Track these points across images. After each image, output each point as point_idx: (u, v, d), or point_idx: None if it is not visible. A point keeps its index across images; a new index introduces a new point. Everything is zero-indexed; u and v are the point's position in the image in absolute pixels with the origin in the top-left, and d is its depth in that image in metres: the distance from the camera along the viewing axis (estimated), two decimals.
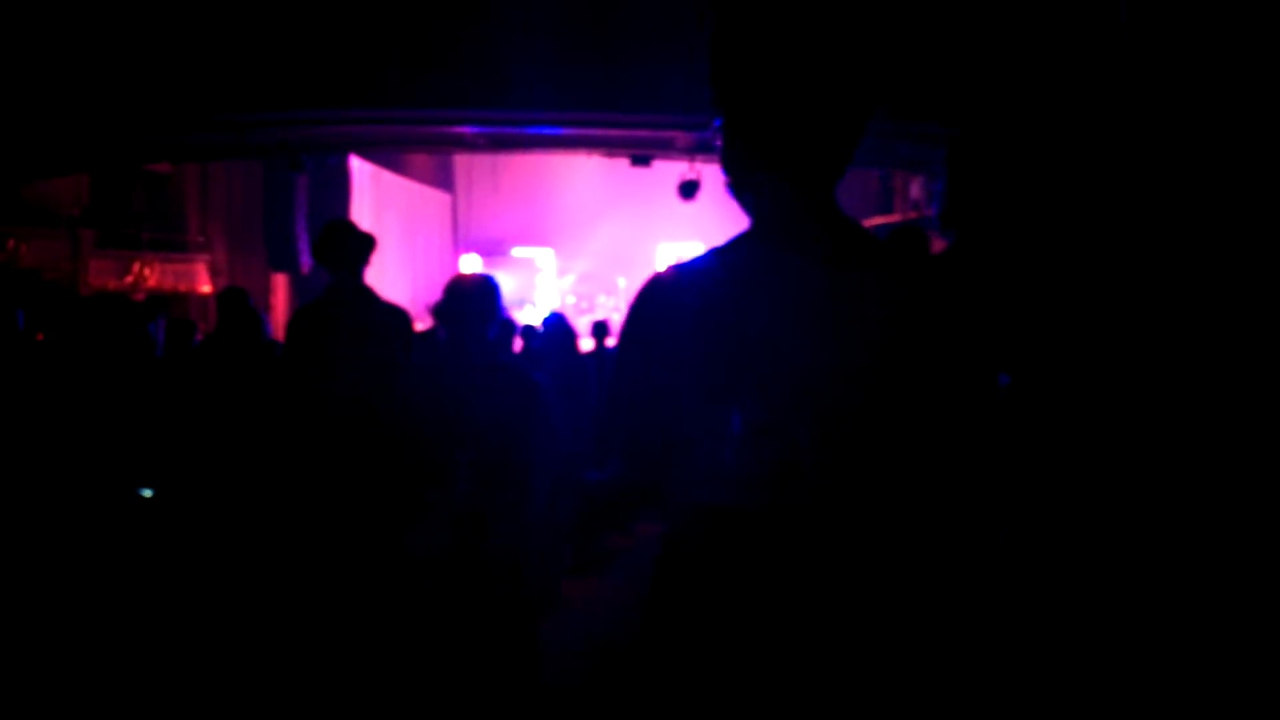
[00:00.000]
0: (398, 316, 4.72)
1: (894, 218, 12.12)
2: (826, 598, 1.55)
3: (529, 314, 12.90)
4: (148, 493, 3.69)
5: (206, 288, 12.83)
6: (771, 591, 1.56)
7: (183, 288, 12.48)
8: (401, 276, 15.59)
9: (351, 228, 4.71)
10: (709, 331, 1.60)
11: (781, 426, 1.57)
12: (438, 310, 3.72)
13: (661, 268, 1.74)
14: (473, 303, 3.69)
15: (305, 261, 12.81)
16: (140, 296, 10.59)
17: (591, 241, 18.22)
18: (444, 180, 18.86)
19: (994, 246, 2.41)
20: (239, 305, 5.21)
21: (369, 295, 4.66)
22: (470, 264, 17.80)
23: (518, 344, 8.00)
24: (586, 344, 8.62)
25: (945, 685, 1.60)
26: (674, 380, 1.63)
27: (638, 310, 1.70)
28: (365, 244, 4.65)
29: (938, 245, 3.40)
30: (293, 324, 4.73)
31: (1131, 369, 2.68)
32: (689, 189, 10.77)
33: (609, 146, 10.36)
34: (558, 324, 7.87)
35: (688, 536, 1.63)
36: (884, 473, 1.56)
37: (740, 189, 1.66)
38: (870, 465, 1.55)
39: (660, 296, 1.68)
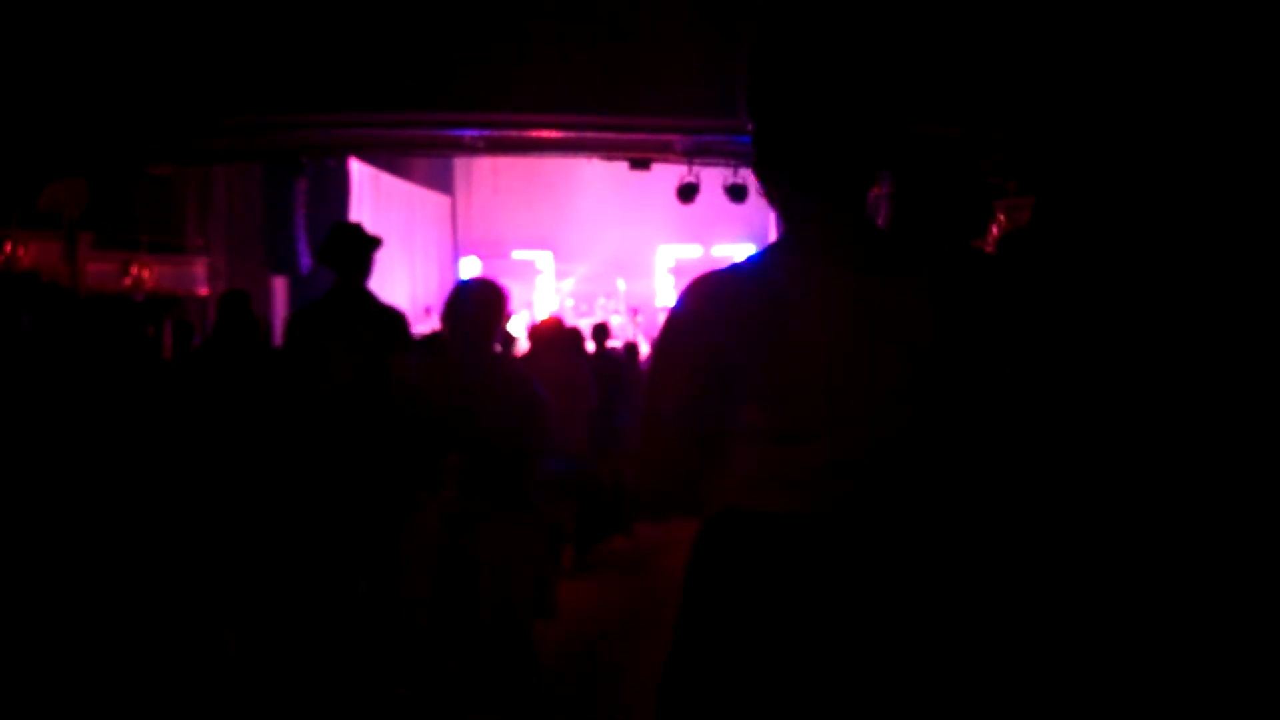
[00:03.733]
0: (394, 319, 4.70)
1: None
2: (864, 603, 1.56)
3: (523, 318, 12.91)
4: None
5: (204, 290, 12.82)
6: (808, 597, 1.57)
7: (181, 290, 12.46)
8: (401, 279, 15.59)
9: (356, 231, 4.69)
10: (750, 337, 1.64)
11: (820, 432, 1.60)
12: (444, 313, 3.73)
13: (711, 270, 1.77)
14: (478, 307, 3.70)
15: (304, 264, 12.81)
16: (139, 299, 10.59)
17: (591, 244, 18.23)
18: (443, 183, 18.86)
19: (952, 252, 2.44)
20: (240, 308, 5.21)
21: (368, 298, 4.64)
22: (470, 266, 17.80)
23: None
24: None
25: (976, 685, 1.62)
26: (713, 385, 1.66)
27: (681, 314, 1.73)
28: (368, 246, 4.63)
29: None
30: (291, 325, 4.73)
31: (1125, 365, 2.70)
32: (688, 192, 10.77)
33: (608, 149, 10.38)
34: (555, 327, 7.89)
35: (723, 540, 1.65)
36: (924, 475, 1.59)
37: (773, 196, 1.70)
38: (910, 468, 1.59)
39: (703, 301, 1.71)
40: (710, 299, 1.69)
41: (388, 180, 15.55)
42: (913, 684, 1.57)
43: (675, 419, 1.73)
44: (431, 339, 6.85)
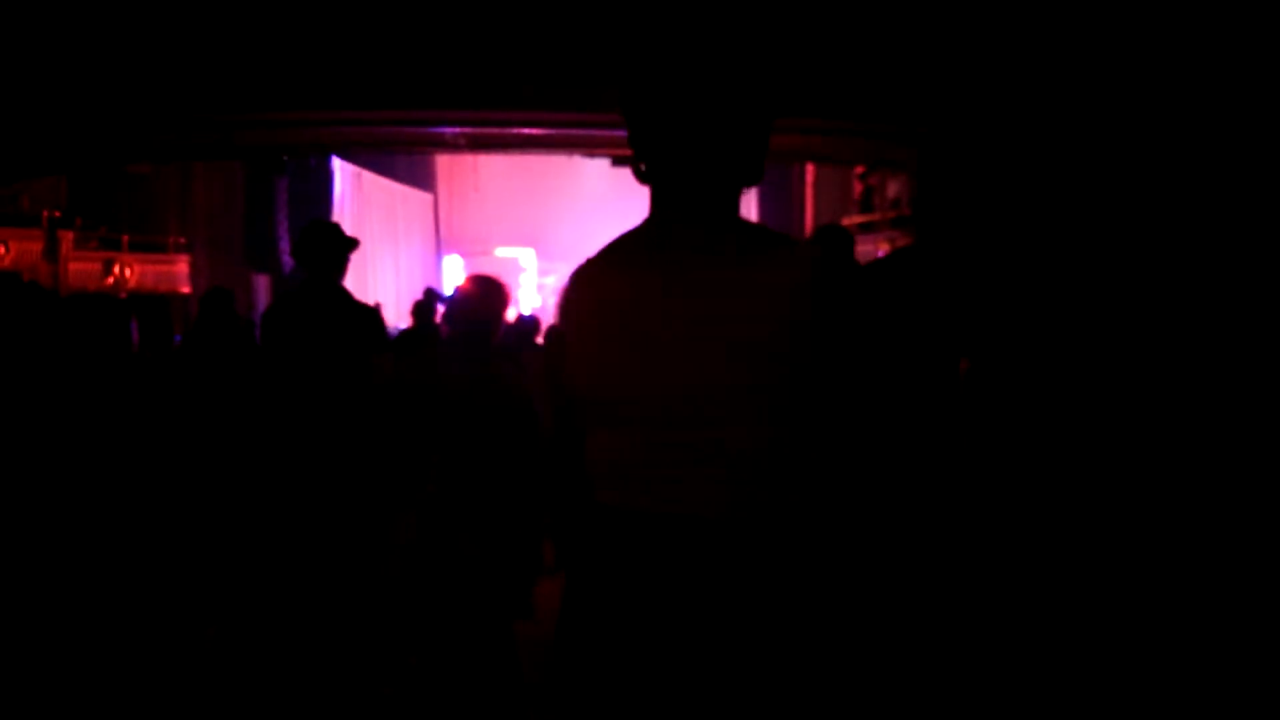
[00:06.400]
0: (368, 316, 4.70)
1: (874, 216, 12.18)
2: (720, 598, 1.55)
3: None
4: None
5: (187, 288, 12.79)
6: (669, 592, 1.56)
7: (163, 288, 12.43)
8: (384, 277, 15.57)
9: (333, 230, 4.68)
10: (600, 333, 1.66)
11: (635, 427, 1.60)
12: (444, 311, 3.73)
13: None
14: (474, 306, 3.70)
15: (286, 262, 12.77)
16: (122, 297, 10.55)
17: (574, 241, 18.23)
18: (425, 180, 18.82)
19: (961, 242, 2.46)
20: (222, 306, 5.22)
21: (342, 295, 4.63)
22: (452, 264, 17.78)
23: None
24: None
25: (866, 684, 1.62)
26: (578, 380, 1.69)
27: (560, 310, 1.76)
28: (345, 246, 4.62)
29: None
30: (265, 321, 4.73)
31: (1084, 356, 2.73)
32: None
33: (589, 146, 10.38)
34: (533, 325, 7.94)
35: (593, 537, 1.66)
36: (771, 474, 1.57)
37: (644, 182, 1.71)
38: (751, 466, 1.56)
39: (570, 296, 1.74)
40: (571, 289, 1.73)
41: (369, 178, 15.52)
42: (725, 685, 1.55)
43: (560, 407, 1.78)
44: (407, 335, 6.85)
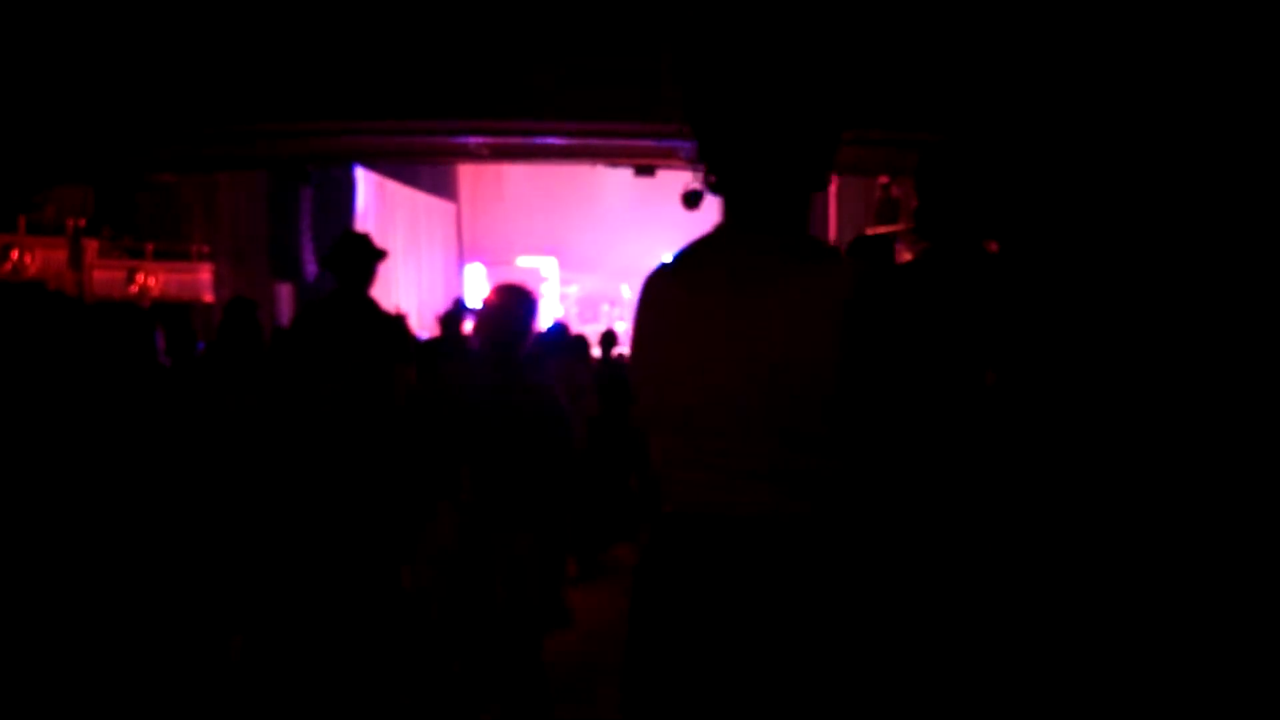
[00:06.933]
0: (395, 326, 4.79)
1: (897, 227, 12.13)
2: (780, 601, 1.55)
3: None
4: None
5: (210, 297, 12.84)
6: (733, 595, 1.56)
7: (186, 297, 12.49)
8: (407, 286, 15.62)
9: (364, 241, 4.77)
10: (654, 339, 1.69)
11: (706, 435, 1.60)
12: (475, 324, 3.73)
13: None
14: (504, 314, 3.70)
15: (310, 270, 12.83)
16: (146, 306, 10.60)
17: (596, 251, 18.25)
18: (448, 189, 18.89)
19: (966, 254, 2.44)
20: (246, 315, 5.23)
21: (369, 305, 4.71)
22: (474, 273, 17.83)
23: None
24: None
25: (920, 684, 1.61)
26: (636, 384, 1.72)
27: (635, 314, 1.78)
28: (374, 257, 4.71)
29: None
30: (293, 329, 4.79)
31: (1111, 367, 2.70)
32: (693, 199, 10.73)
33: (612, 156, 10.38)
34: (560, 333, 7.91)
35: (661, 541, 1.67)
36: (813, 476, 1.56)
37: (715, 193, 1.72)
38: (804, 472, 1.56)
39: (638, 302, 1.76)
40: (640, 295, 1.75)
41: (393, 187, 15.58)
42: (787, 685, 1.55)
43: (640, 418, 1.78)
44: (431, 345, 6.87)
